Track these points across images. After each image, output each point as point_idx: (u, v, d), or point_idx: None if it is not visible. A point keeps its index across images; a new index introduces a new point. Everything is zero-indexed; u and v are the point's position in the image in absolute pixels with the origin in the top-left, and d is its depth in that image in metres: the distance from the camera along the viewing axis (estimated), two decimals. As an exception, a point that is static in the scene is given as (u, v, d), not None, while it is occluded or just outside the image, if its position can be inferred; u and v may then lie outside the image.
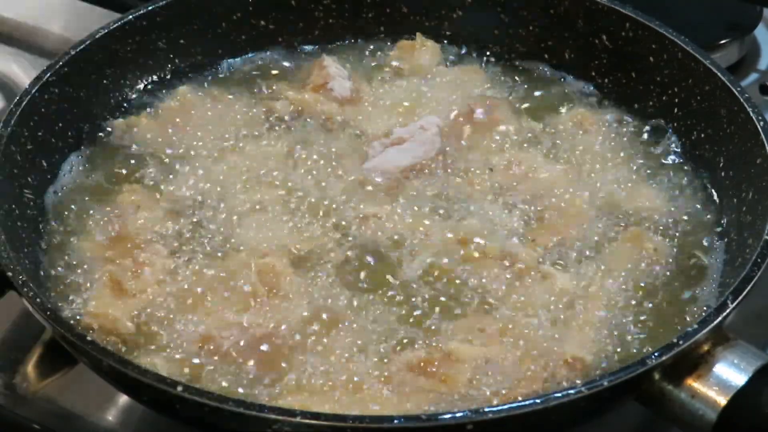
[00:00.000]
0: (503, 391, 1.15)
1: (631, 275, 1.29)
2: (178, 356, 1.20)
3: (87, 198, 1.39)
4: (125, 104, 1.52)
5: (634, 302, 1.26)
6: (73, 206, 1.37)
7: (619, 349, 1.21)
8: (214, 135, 1.47)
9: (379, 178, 1.40)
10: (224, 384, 1.17)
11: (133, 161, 1.44)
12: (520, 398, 1.13)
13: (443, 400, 1.15)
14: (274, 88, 1.55)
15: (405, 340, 1.21)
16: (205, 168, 1.42)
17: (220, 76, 1.58)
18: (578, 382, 1.15)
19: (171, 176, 1.41)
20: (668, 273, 1.30)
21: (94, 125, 1.47)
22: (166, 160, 1.44)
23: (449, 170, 1.42)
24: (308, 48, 1.62)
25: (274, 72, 1.59)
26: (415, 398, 1.15)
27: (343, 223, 1.35)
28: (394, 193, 1.39)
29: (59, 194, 1.39)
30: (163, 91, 1.54)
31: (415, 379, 1.16)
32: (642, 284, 1.28)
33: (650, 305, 1.26)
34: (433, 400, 1.15)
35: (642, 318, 1.25)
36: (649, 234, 1.33)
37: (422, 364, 1.17)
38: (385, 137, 1.45)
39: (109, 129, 1.48)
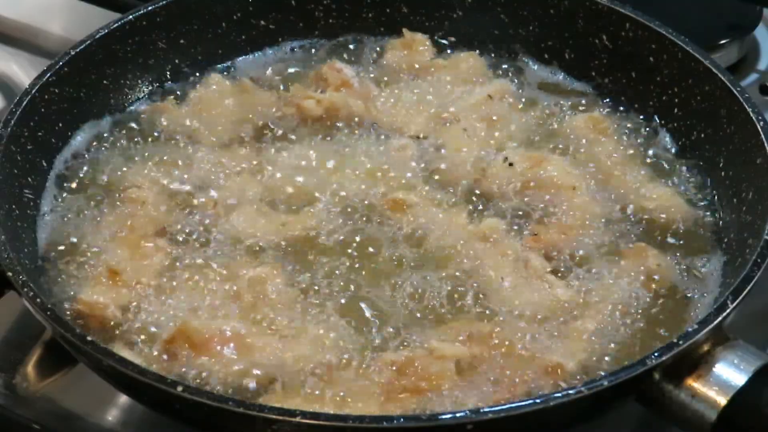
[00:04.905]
0: (486, 392, 1.15)
1: (631, 289, 1.28)
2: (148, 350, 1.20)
3: (87, 197, 1.39)
4: (127, 105, 1.53)
5: (630, 314, 1.25)
6: (72, 204, 1.37)
7: (607, 358, 1.21)
8: (230, 133, 1.48)
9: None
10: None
11: (137, 160, 1.44)
12: (503, 401, 1.12)
13: (425, 401, 1.14)
14: (288, 88, 1.54)
15: (393, 340, 1.22)
16: (220, 169, 1.42)
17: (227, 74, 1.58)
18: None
19: (180, 174, 1.42)
20: (668, 284, 1.29)
21: (93, 126, 1.48)
22: (177, 158, 1.45)
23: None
24: (310, 48, 1.62)
25: (282, 72, 1.59)
26: (398, 399, 1.14)
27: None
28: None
29: (59, 193, 1.39)
30: (174, 89, 1.55)
31: (397, 379, 1.15)
32: (641, 299, 1.27)
33: (647, 317, 1.25)
34: (416, 402, 1.14)
35: (635, 330, 1.24)
36: (652, 249, 1.31)
37: (405, 363, 1.16)
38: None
39: (110, 127, 1.48)
